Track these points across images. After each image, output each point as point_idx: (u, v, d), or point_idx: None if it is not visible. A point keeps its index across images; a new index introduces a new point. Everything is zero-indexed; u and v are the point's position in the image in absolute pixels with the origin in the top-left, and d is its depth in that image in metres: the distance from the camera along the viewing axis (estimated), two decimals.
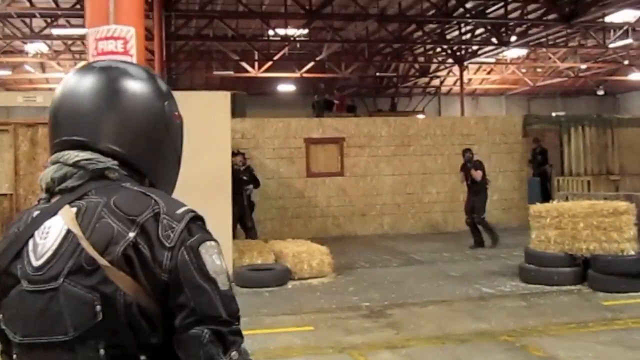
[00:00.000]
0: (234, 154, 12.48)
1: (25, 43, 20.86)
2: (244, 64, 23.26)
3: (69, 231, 1.26)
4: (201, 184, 9.11)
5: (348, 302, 8.06)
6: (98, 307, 1.21)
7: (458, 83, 26.75)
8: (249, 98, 28.25)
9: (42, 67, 24.17)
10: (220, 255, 1.31)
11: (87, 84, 1.37)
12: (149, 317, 1.23)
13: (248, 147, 14.49)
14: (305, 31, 19.82)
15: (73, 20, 19.10)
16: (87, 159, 1.32)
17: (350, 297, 8.30)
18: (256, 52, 22.85)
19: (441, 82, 29.97)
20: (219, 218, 9.12)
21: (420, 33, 20.70)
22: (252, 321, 6.99)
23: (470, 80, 29.12)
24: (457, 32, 21.17)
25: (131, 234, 1.23)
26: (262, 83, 26.80)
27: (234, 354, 1.24)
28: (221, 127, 9.40)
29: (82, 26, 18.95)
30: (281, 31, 19.47)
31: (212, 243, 1.31)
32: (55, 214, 1.29)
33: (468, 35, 21.44)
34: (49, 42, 21.17)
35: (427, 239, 13.90)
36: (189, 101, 9.66)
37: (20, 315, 1.27)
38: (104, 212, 1.26)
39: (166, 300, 1.24)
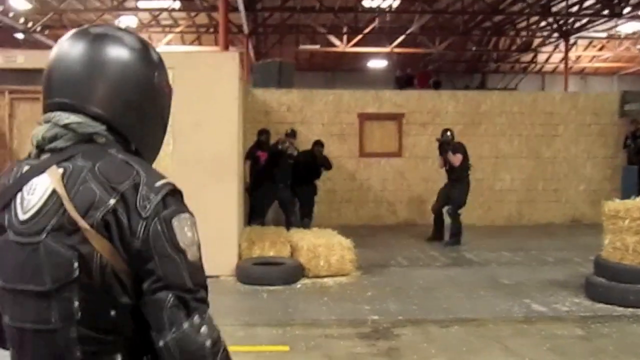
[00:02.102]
0: (287, 134, 11.07)
1: (116, 17, 20.62)
2: (332, 38, 21.80)
3: (54, 191, 1.33)
4: (204, 161, 7.80)
5: (354, 313, 6.48)
6: (75, 265, 1.30)
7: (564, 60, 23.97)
8: (339, 74, 27.26)
9: None
10: (194, 228, 1.38)
11: (81, 49, 1.40)
12: (121, 278, 1.32)
13: (294, 122, 13.03)
14: (397, 3, 18.17)
15: None
16: (77, 122, 1.38)
17: (360, 307, 6.71)
18: (345, 26, 21.54)
19: (547, 60, 27.25)
20: (223, 200, 7.80)
21: (522, 4, 18.46)
22: (221, 333, 5.57)
23: (579, 57, 26.27)
24: (563, 3, 18.71)
25: (112, 201, 1.31)
26: (352, 59, 25.60)
27: (196, 318, 1.31)
28: (228, 95, 7.97)
29: None
30: (370, 3, 17.85)
31: (186, 215, 1.37)
32: (43, 172, 1.36)
33: (576, 8, 18.93)
34: (139, 15, 20.93)
35: (494, 234, 11.99)
36: (189, 63, 8.32)
37: (4, 262, 1.38)
38: (88, 176, 1.33)
39: (137, 266, 1.32)
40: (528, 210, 13.48)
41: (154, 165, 1.50)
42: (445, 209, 10.87)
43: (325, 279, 7.91)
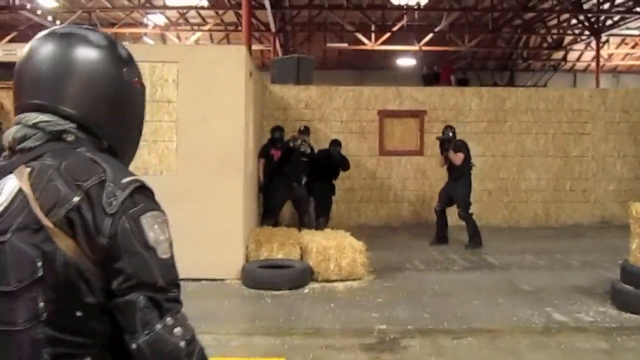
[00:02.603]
0: (300, 132, 10.73)
1: (145, 15, 20.57)
2: (361, 36, 21.53)
3: (20, 190, 1.32)
4: (209, 158, 7.48)
5: (360, 321, 6.09)
6: (39, 264, 1.27)
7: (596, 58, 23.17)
8: (368, 73, 26.83)
9: (163, 39, 23.62)
10: (164, 226, 1.34)
11: (48, 49, 1.41)
12: (87, 278, 1.28)
13: (312, 119, 12.68)
14: (425, 0, 17.76)
15: None
16: (45, 121, 1.38)
17: (368, 314, 6.32)
18: (372, 24, 21.24)
19: (578, 58, 26.46)
20: (229, 198, 7.48)
21: (553, 1, 17.88)
22: (215, 341, 5.26)
23: (611, 55, 25.44)
24: (594, 0, 18.07)
25: (75, 199, 1.29)
26: (381, 57, 25.20)
27: (169, 319, 1.28)
28: (234, 89, 7.64)
29: None
30: (398, 0, 17.51)
31: (155, 213, 1.34)
32: (11, 172, 1.35)
33: (607, 5, 18.25)
34: (167, 13, 20.83)
35: (518, 236, 11.47)
36: (193, 57, 8.00)
37: None
38: (54, 175, 1.31)
39: (105, 264, 1.28)
40: (555, 211, 12.93)
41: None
42: (457, 213, 10.38)
43: (335, 283, 7.54)
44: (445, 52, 23.78)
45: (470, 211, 10.16)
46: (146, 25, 21.74)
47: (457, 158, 10.04)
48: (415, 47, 22.47)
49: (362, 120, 12.84)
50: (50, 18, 19.90)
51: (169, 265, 1.33)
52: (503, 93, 13.10)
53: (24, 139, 1.37)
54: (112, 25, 21.42)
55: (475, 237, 10.15)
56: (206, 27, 22.42)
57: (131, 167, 5.64)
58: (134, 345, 1.28)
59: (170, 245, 1.35)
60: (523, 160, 12.92)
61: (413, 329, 5.84)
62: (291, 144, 9.97)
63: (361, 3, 19.50)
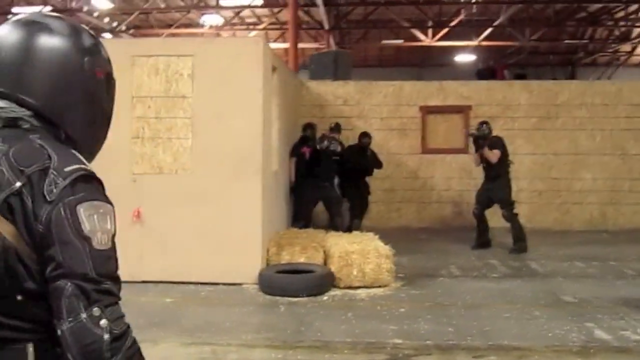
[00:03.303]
0: (330, 129, 10.28)
1: (200, 15, 20.63)
2: (417, 32, 20.97)
3: None
4: (225, 157, 7.09)
5: (376, 334, 5.55)
6: None
7: None
8: (426, 70, 26.14)
9: None
10: (106, 217, 1.33)
11: (10, 37, 1.41)
12: (26, 263, 1.29)
13: (351, 116, 12.18)
14: None
15: None
16: (1, 107, 1.39)
17: (385, 326, 5.77)
18: (429, 20, 20.66)
19: None
20: (247, 199, 7.09)
21: None
22: (211, 354, 4.85)
23: None
24: None
25: (17, 184, 1.29)
26: (439, 53, 24.68)
27: (95, 309, 1.25)
28: (252, 85, 7.21)
29: None
30: None
31: (96, 203, 1.32)
32: None
33: None
34: (223, 13, 20.83)
35: (569, 240, 10.65)
36: (208, 50, 7.60)
37: None
38: (2, 159, 1.32)
39: (41, 251, 1.29)
40: (612, 214, 12.01)
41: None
42: (501, 214, 9.67)
43: (358, 291, 7.02)
44: (505, 47, 22.93)
45: (514, 211, 9.45)
46: (202, 26, 21.78)
47: (493, 155, 9.34)
48: (474, 43, 21.75)
49: (403, 116, 12.25)
50: (107, 20, 20.09)
51: (105, 257, 1.30)
52: (555, 87, 12.24)
53: None
54: (169, 26, 21.50)
55: (520, 240, 9.44)
56: (261, 26, 22.25)
57: (146, 166, 6.68)
58: (59, 332, 1.26)
59: (111, 237, 1.33)
60: (577, 159, 12.05)
61: (431, 344, 5.27)
62: (318, 146, 9.46)
63: None
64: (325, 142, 9.42)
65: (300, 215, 9.61)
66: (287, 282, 6.82)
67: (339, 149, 9.66)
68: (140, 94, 7.15)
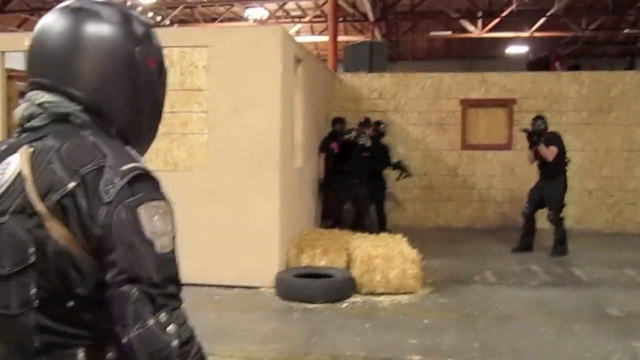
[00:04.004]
0: (360, 124, 9.81)
1: (245, 8, 20.51)
2: (466, 23, 20.34)
3: (21, 171, 1.28)
4: (242, 153, 6.70)
5: (392, 348, 5.05)
6: (31, 249, 1.24)
7: None
8: (476, 62, 25.34)
9: None
10: (166, 217, 1.27)
11: (57, 25, 1.34)
12: (79, 267, 1.24)
13: (387, 110, 11.63)
14: None
15: None
16: (50, 102, 1.33)
17: (404, 339, 5.26)
18: (478, 10, 19.99)
19: None
20: (264, 198, 6.68)
21: None
22: None
23: None
24: None
25: (71, 184, 1.24)
26: (490, 45, 23.88)
27: (162, 315, 1.21)
28: (270, 76, 6.78)
29: None
30: None
31: (156, 203, 1.26)
32: (15, 151, 1.31)
33: None
34: (267, 6, 20.63)
35: (621, 244, 9.86)
36: (224, 41, 7.17)
37: None
38: (54, 157, 1.27)
39: (100, 255, 1.23)
40: None
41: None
42: (546, 215, 9.03)
43: (381, 298, 6.51)
44: (559, 38, 21.98)
45: (562, 215, 8.79)
46: (247, 20, 21.60)
47: (550, 152, 8.69)
48: (526, 34, 20.89)
49: (443, 110, 11.61)
50: (151, 14, 20.06)
51: (167, 260, 1.25)
52: (608, 78, 11.39)
53: (31, 117, 1.33)
54: (214, 20, 21.38)
55: (560, 244, 8.81)
56: (306, 19, 21.90)
57: (160, 163, 5.97)
58: (125, 339, 1.21)
59: (172, 239, 1.27)
60: (631, 156, 11.20)
61: None
62: (345, 137, 8.96)
63: None
64: (353, 133, 8.89)
65: (329, 213, 9.15)
66: (303, 286, 6.36)
67: (368, 143, 9.13)
68: None
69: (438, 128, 11.62)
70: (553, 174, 8.77)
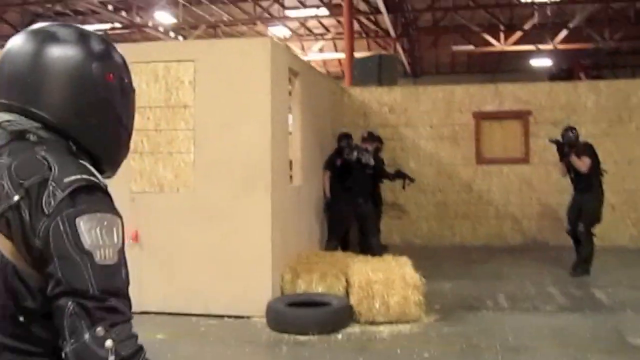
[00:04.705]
0: (363, 139, 9.37)
1: (267, 27, 20.49)
2: (488, 37, 20.28)
3: None
4: (231, 172, 6.31)
5: None
6: None
7: None
8: (499, 76, 24.87)
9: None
10: (110, 229, 1.24)
11: (16, 47, 1.37)
12: (25, 281, 1.23)
13: (397, 125, 11.19)
14: None
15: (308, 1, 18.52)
16: (7, 121, 1.34)
17: None
18: (500, 24, 20.03)
19: None
20: (255, 220, 6.27)
21: None
22: None
23: None
24: None
25: (15, 198, 1.24)
26: (513, 59, 23.60)
27: (99, 329, 1.18)
28: (259, 90, 6.38)
29: (316, 6, 18.60)
30: None
31: (99, 215, 1.24)
32: None
33: None
34: (290, 25, 20.77)
35: None
36: (211, 53, 6.77)
37: None
38: (5, 173, 1.28)
39: (40, 268, 1.22)
40: None
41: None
42: (578, 227, 8.48)
43: (381, 327, 6.01)
44: (583, 50, 21.49)
45: (593, 230, 8.31)
46: (270, 38, 21.39)
47: (583, 164, 8.20)
48: (549, 46, 20.50)
49: (455, 124, 11.14)
50: (172, 34, 19.96)
51: (108, 272, 1.22)
52: (627, 87, 10.81)
53: None
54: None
55: (584, 263, 8.27)
56: (329, 36, 21.68)
57: (145, 183, 5.41)
58: (63, 353, 1.19)
59: (118, 251, 1.24)
60: None
61: None
62: (345, 156, 8.49)
63: (488, 2, 18.03)
64: (355, 153, 8.44)
65: (333, 235, 8.67)
66: (295, 316, 5.89)
67: (372, 161, 8.65)
68: (139, 104, 6.30)
69: (451, 142, 11.14)
70: (588, 186, 8.30)
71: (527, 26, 19.19)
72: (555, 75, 22.52)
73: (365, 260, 7.03)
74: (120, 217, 1.28)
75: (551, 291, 7.49)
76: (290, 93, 7.65)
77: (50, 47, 1.35)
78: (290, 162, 7.64)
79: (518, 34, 19.71)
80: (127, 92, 1.46)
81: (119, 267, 1.24)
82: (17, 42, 1.37)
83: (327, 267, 6.83)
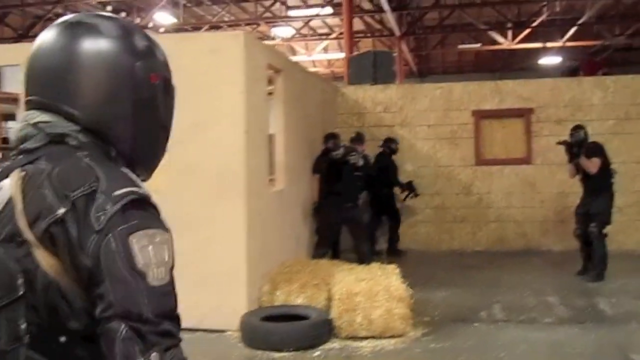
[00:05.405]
0: (351, 140, 8.92)
1: (270, 27, 20.31)
2: (495, 35, 20.05)
3: (12, 196, 1.21)
4: (205, 175, 5.89)
5: None
6: (20, 281, 1.16)
7: None
8: (508, 75, 24.23)
9: (293, 51, 23.04)
10: (163, 247, 1.16)
11: (53, 41, 1.27)
12: (70, 301, 1.15)
13: (393, 124, 10.73)
14: None
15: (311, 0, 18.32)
16: (45, 122, 1.25)
17: None
18: (508, 21, 19.73)
19: None
20: (229, 228, 5.85)
21: None
22: None
23: None
24: None
25: (60, 210, 1.15)
26: (522, 57, 23.40)
27: (153, 355, 1.11)
28: (232, 88, 5.94)
29: (319, 5, 18.29)
30: None
31: (151, 231, 1.15)
32: (8, 175, 1.24)
33: None
34: (294, 25, 20.43)
35: None
36: (181, 49, 6.30)
37: None
38: (45, 181, 1.18)
39: (89, 287, 1.14)
40: None
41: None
42: (589, 227, 8.05)
43: (363, 342, 5.55)
44: (593, 47, 21.06)
45: (605, 231, 7.92)
46: (273, 39, 21.17)
47: (592, 165, 7.83)
48: (558, 43, 20.13)
49: (454, 123, 10.65)
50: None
51: (162, 293, 1.13)
52: (635, 82, 10.28)
53: (26, 138, 1.25)
54: None
55: (599, 266, 7.90)
56: (333, 36, 21.34)
57: None
58: None
59: (169, 270, 1.16)
60: None
61: None
62: (332, 156, 8.01)
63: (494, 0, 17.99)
64: (341, 151, 7.96)
65: (321, 241, 8.22)
66: (268, 331, 5.45)
67: (360, 162, 8.18)
68: None
69: (449, 142, 10.65)
70: (598, 188, 7.93)
71: (535, 23, 18.70)
72: (565, 74, 22.07)
73: (350, 269, 6.57)
74: (169, 231, 1.19)
75: (551, 301, 7.00)
76: (272, 92, 7.22)
77: (90, 42, 1.24)
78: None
79: (526, 31, 19.37)
80: (170, 93, 1.35)
81: (171, 287, 1.16)
82: (53, 34, 1.26)
83: (308, 277, 6.38)
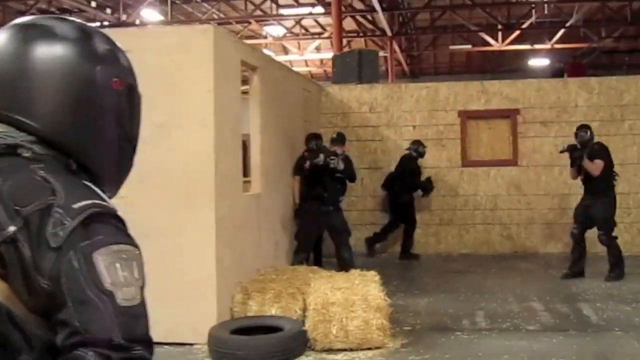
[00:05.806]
0: (332, 140, 8.65)
1: (262, 26, 20.13)
2: (486, 36, 20.21)
3: None
4: (171, 180, 5.63)
5: None
6: None
7: None
8: (498, 76, 24.13)
9: (285, 50, 22.79)
10: (132, 263, 1.06)
11: (3, 45, 1.16)
12: (23, 329, 1.04)
13: (378, 125, 10.50)
14: None
15: None
16: None
17: None
18: (498, 23, 19.86)
19: None
20: (197, 236, 5.58)
21: None
22: None
23: None
24: None
25: (11, 228, 1.04)
26: (511, 58, 23.58)
27: None
28: (199, 85, 5.68)
29: (311, 4, 18.06)
30: None
31: (118, 247, 1.06)
32: None
33: None
34: (286, 24, 20.39)
35: None
36: (146, 44, 5.93)
37: None
38: None
39: (47, 313, 1.04)
40: None
41: None
42: (597, 236, 8.00)
43: (339, 356, 5.30)
44: (581, 49, 21.12)
45: (614, 234, 7.84)
46: (265, 37, 20.93)
47: (595, 167, 7.69)
48: (547, 46, 20.37)
49: (440, 124, 10.44)
50: None
51: (132, 315, 1.04)
52: (619, 84, 10.09)
53: None
54: None
55: (617, 267, 7.85)
56: (325, 35, 21.15)
57: None
58: None
59: (140, 289, 1.06)
60: None
61: None
62: (312, 161, 7.74)
63: (485, 1, 18.13)
64: (321, 157, 7.72)
65: (301, 247, 7.96)
66: (237, 345, 5.18)
67: (341, 166, 7.92)
68: None
69: (435, 143, 10.43)
70: (600, 189, 7.80)
71: (524, 25, 18.74)
72: (553, 76, 22.02)
73: (328, 277, 6.31)
74: (138, 247, 1.09)
75: (535, 307, 6.79)
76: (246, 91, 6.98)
77: (45, 45, 1.15)
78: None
79: (515, 33, 19.56)
80: (135, 100, 1.25)
81: (143, 308, 1.07)
82: (3, 37, 1.16)
83: (284, 285, 6.12)
